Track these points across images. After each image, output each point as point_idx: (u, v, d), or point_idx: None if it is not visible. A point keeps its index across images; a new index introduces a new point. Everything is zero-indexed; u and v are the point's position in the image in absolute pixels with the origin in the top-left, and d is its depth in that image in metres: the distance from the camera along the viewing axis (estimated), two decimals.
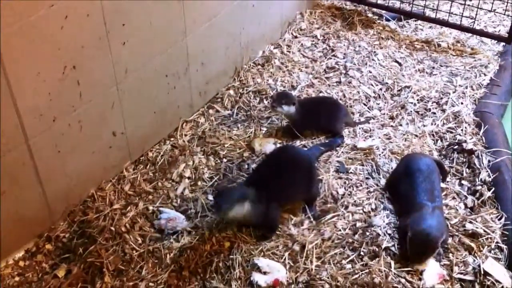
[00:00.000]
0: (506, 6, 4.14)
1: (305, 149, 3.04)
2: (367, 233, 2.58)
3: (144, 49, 2.75)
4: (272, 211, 2.57)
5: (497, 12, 4.34)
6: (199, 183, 2.87)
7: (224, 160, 3.02)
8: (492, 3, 4.17)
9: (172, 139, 3.13)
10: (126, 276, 2.41)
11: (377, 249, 2.50)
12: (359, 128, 3.23)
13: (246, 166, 2.98)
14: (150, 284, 2.40)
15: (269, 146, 3.09)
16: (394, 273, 2.41)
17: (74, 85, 2.44)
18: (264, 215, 2.53)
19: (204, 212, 2.71)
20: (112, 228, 2.58)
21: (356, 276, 2.41)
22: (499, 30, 4.23)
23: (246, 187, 2.52)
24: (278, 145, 3.09)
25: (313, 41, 4.02)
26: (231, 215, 2.43)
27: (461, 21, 4.00)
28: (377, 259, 2.47)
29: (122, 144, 2.84)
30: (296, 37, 4.05)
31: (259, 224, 2.58)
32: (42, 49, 2.23)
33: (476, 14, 4.07)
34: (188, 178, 2.89)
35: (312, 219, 2.66)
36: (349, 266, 2.45)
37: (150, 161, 2.98)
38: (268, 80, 3.60)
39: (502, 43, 4.05)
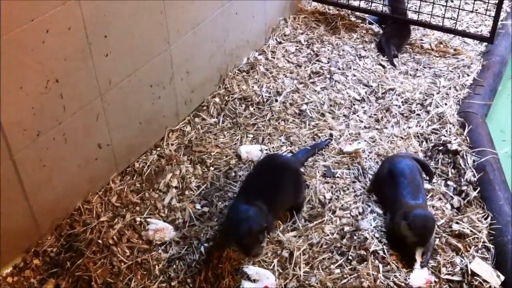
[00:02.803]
0: (488, 6, 4.19)
1: (290, 154, 3.05)
2: (355, 237, 2.59)
3: (127, 60, 2.75)
4: (271, 223, 2.57)
5: (478, 13, 4.38)
6: (186, 192, 2.87)
7: (211, 168, 3.02)
8: (473, 4, 4.22)
9: (158, 149, 3.12)
10: None
11: (365, 253, 2.51)
12: (347, 131, 3.24)
13: (233, 174, 2.98)
14: None
15: (255, 153, 3.10)
16: (383, 277, 2.42)
17: (57, 99, 2.43)
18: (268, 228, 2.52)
19: (192, 222, 2.70)
20: (100, 241, 2.57)
21: (345, 280, 2.42)
22: (481, 30, 4.28)
23: (257, 213, 2.42)
24: (265, 152, 3.09)
25: (297, 46, 4.04)
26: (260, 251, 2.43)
27: (443, 22, 4.04)
28: (365, 263, 2.48)
29: (108, 156, 2.83)
30: (280, 42, 4.07)
31: None
32: (24, 64, 2.22)
33: (458, 15, 4.10)
34: (175, 187, 2.89)
35: (299, 225, 2.67)
36: (337, 270, 2.46)
37: (137, 171, 2.97)
38: (253, 86, 3.61)
39: (485, 43, 4.09)
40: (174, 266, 2.50)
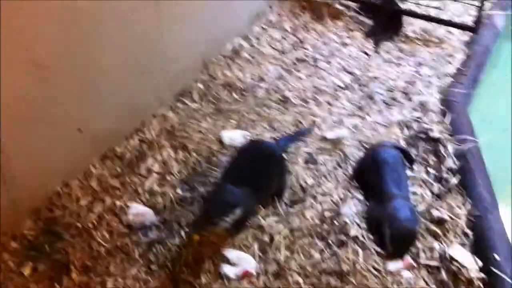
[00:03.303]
0: None
1: (273, 141, 3.04)
2: (335, 222, 2.60)
3: (108, 44, 2.70)
4: (254, 208, 2.58)
5: (463, 2, 4.39)
6: (167, 177, 2.85)
7: (193, 154, 3.00)
8: None
9: (140, 133, 3.09)
10: (93, 273, 2.38)
11: (345, 238, 2.52)
12: (330, 118, 3.24)
13: (216, 160, 2.97)
14: (119, 279, 2.36)
15: (238, 139, 3.08)
16: (362, 261, 2.43)
17: (38, 82, 2.39)
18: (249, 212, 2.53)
19: (173, 206, 2.69)
20: (79, 225, 2.55)
21: (325, 264, 2.42)
22: (466, 20, 4.29)
23: (233, 188, 2.44)
24: (247, 137, 3.08)
25: (282, 33, 4.02)
26: (223, 225, 2.41)
27: (428, 11, 4.04)
28: (345, 247, 2.49)
29: (88, 140, 2.80)
30: (265, 29, 4.05)
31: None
32: (8, 46, 2.17)
33: (443, 4, 4.11)
34: (157, 172, 2.87)
35: (281, 210, 2.67)
36: (317, 255, 2.47)
37: (118, 156, 2.94)
38: (237, 73, 3.59)
39: (469, 33, 4.10)
40: (154, 250, 2.48)
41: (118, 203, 2.68)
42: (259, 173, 2.58)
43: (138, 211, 2.64)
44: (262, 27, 4.05)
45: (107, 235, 2.53)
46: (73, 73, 2.54)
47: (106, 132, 2.91)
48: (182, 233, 2.54)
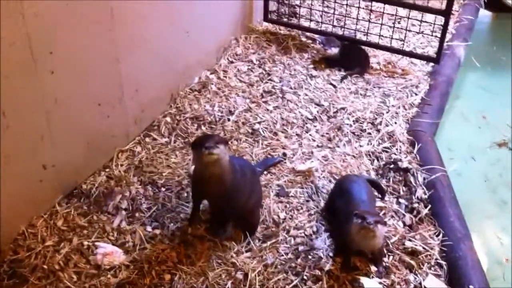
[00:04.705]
0: (433, 28, 4.31)
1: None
2: (310, 257, 2.57)
3: (74, 78, 2.65)
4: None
5: (425, 34, 4.51)
6: (136, 214, 2.77)
7: (163, 189, 2.94)
8: (420, 25, 4.33)
9: (107, 169, 3.02)
10: None
11: (319, 273, 2.49)
12: (299, 150, 3.24)
13: (185, 195, 2.91)
14: None
15: None
16: None
17: None
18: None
19: (142, 245, 2.61)
20: (45, 266, 2.45)
21: None
22: (428, 51, 4.40)
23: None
24: None
25: (249, 65, 4.04)
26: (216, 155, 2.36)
27: (391, 43, 4.13)
28: (320, 282, 2.45)
29: (53, 177, 2.71)
30: (232, 62, 4.06)
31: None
32: None
33: (405, 36, 4.21)
34: (125, 209, 2.79)
35: (254, 246, 2.62)
36: None
37: (84, 193, 2.86)
38: (205, 106, 3.57)
39: (431, 63, 4.20)
40: None
41: (85, 242, 2.60)
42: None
43: (107, 250, 2.55)
44: (229, 60, 4.06)
45: (74, 277, 2.44)
46: (32, 105, 2.46)
47: (72, 169, 2.83)
48: (153, 272, 2.47)
